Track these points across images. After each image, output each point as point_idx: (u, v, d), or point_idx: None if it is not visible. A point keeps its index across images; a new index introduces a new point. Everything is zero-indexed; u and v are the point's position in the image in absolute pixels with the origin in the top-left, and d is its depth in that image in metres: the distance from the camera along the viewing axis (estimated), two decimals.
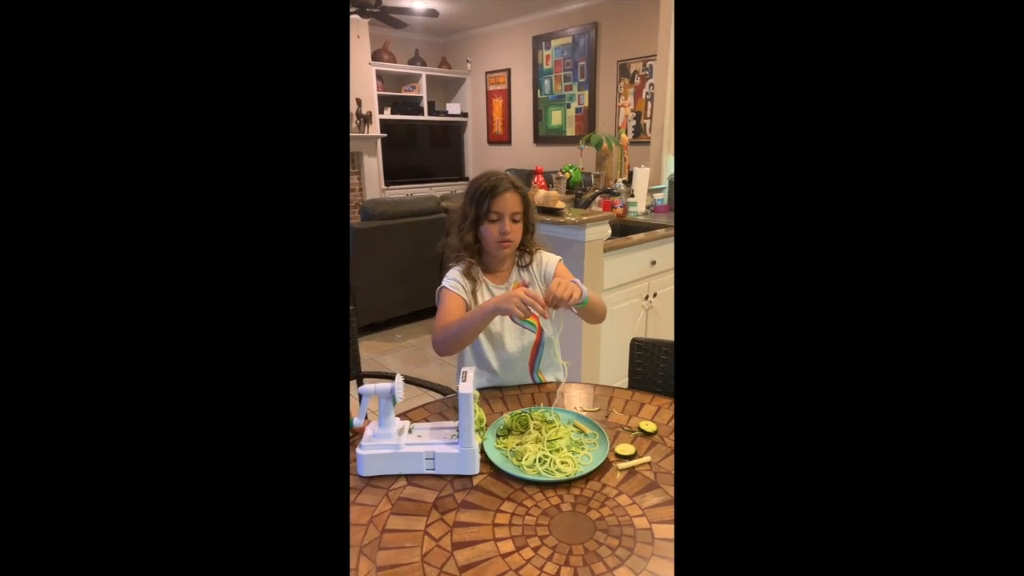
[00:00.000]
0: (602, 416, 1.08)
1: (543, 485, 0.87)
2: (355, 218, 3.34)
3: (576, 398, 1.16)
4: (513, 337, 1.22)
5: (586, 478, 0.89)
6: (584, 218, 2.01)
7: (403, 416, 1.09)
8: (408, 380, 1.58)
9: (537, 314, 1.04)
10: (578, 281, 1.11)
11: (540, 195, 2.09)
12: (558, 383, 1.23)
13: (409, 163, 5.81)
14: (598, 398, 1.16)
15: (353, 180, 5.41)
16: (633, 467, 0.91)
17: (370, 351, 3.17)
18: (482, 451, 0.95)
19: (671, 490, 0.85)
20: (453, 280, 1.22)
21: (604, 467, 0.91)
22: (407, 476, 0.90)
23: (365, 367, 2.97)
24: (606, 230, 2.12)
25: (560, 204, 2.05)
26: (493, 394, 1.18)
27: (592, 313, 1.18)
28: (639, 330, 2.43)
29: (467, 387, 0.88)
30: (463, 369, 0.94)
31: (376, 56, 5.37)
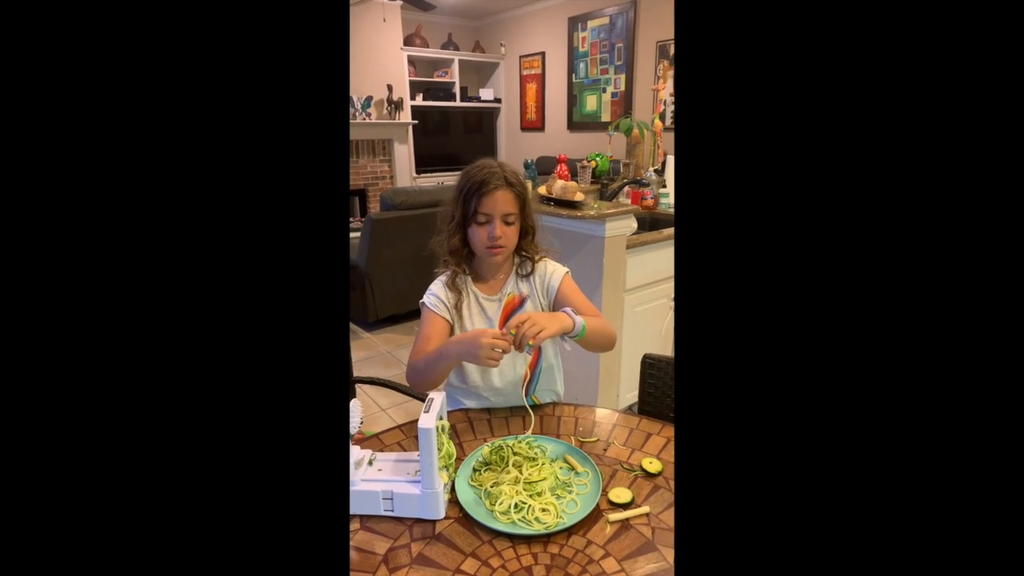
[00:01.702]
0: (601, 448, 0.93)
1: (516, 538, 0.73)
2: (377, 208, 3.26)
3: (572, 424, 1.01)
4: (505, 359, 1.07)
5: (569, 531, 0.74)
6: (605, 211, 1.84)
7: (373, 438, 0.97)
8: (393, 387, 1.46)
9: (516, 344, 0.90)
10: (570, 311, 0.95)
11: (558, 186, 1.92)
12: (554, 404, 1.09)
13: (441, 150, 5.70)
14: (599, 424, 1.01)
15: (383, 168, 5.35)
16: (627, 519, 0.76)
17: (388, 344, 3.09)
18: (453, 488, 0.82)
19: (670, 555, 0.70)
20: (434, 296, 1.08)
21: (593, 516, 0.77)
22: (362, 517, 0.78)
23: (382, 360, 2.90)
24: (630, 224, 1.94)
25: (579, 196, 1.89)
26: (479, 416, 1.05)
27: (593, 343, 1.03)
28: (665, 333, 2.24)
29: (428, 420, 0.74)
30: (429, 395, 0.80)
31: (408, 41, 5.26)
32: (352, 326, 3.32)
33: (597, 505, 0.78)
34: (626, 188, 2.48)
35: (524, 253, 1.11)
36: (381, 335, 3.22)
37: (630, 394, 2.14)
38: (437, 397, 0.80)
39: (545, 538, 0.73)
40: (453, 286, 1.07)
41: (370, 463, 0.83)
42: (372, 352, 3.00)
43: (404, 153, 5.39)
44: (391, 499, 0.77)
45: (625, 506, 0.78)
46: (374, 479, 0.79)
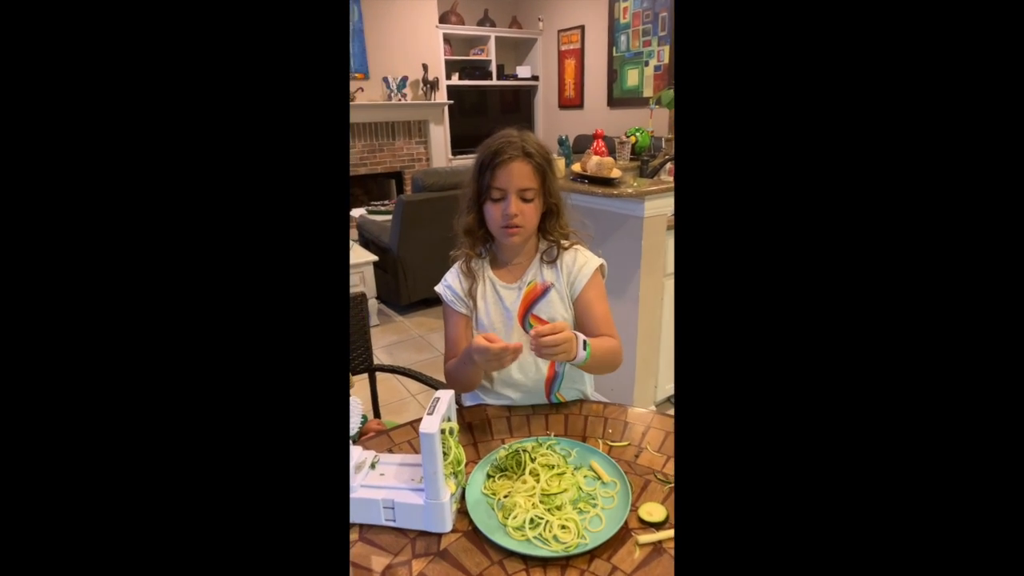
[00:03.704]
0: (632, 454, 0.83)
1: (531, 560, 0.64)
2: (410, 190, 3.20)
3: (601, 425, 0.91)
4: (524, 353, 0.96)
5: (591, 553, 0.65)
6: (644, 189, 1.70)
7: (384, 436, 0.90)
8: (411, 375, 1.39)
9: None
10: (583, 342, 0.86)
11: (593, 162, 1.80)
12: (581, 403, 0.98)
13: (477, 131, 5.56)
14: (630, 426, 0.90)
15: (419, 150, 5.29)
16: (660, 542, 0.66)
17: (420, 328, 3.05)
18: (464, 496, 0.73)
19: None
20: (448, 288, 0.99)
21: (620, 536, 0.67)
22: (361, 527, 0.70)
23: (414, 344, 2.86)
24: (672, 203, 1.79)
25: (616, 173, 1.75)
26: (498, 414, 0.96)
27: (594, 369, 0.94)
28: None
29: (431, 423, 0.66)
30: (436, 394, 0.72)
31: (443, 18, 5.14)
32: (385, 309, 3.30)
33: (625, 523, 0.68)
34: (668, 165, 2.32)
35: (550, 237, 0.99)
36: (414, 319, 3.18)
37: (670, 384, 2.01)
38: (444, 396, 0.71)
39: (564, 560, 0.64)
40: (468, 272, 0.98)
41: (372, 466, 0.75)
42: (404, 336, 2.96)
43: (440, 134, 5.31)
44: (392, 508, 0.69)
45: (658, 526, 0.68)
46: (375, 485, 0.71)
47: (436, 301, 3.28)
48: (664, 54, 4.44)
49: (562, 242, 0.99)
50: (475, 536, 0.68)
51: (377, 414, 1.45)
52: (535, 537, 0.66)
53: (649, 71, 4.60)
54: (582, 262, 0.98)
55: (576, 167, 1.89)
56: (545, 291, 0.97)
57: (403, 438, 0.89)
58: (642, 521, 0.69)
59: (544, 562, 0.64)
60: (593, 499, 0.72)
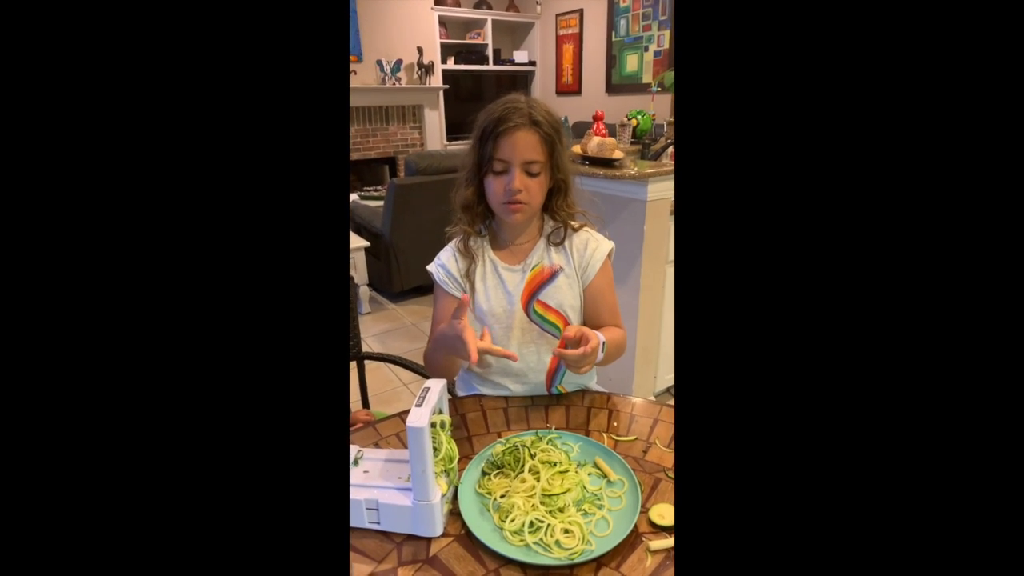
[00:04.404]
0: (640, 450, 0.76)
1: (530, 568, 0.58)
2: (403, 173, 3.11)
3: (605, 417, 0.84)
4: (527, 342, 0.90)
5: (598, 561, 0.58)
6: (647, 171, 1.63)
7: (370, 429, 0.83)
8: (403, 364, 1.32)
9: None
10: (600, 336, 0.79)
11: (594, 143, 1.72)
12: (583, 393, 0.91)
13: (473, 116, 5.47)
14: (637, 419, 0.83)
15: (414, 135, 5.19)
16: (673, 548, 0.59)
17: (414, 316, 2.97)
18: (456, 496, 0.67)
19: None
20: (442, 267, 0.91)
21: (629, 542, 0.60)
22: None
23: (407, 333, 2.79)
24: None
25: (618, 154, 1.68)
26: (495, 404, 0.88)
27: (601, 364, 0.87)
28: None
29: (420, 416, 0.59)
30: (425, 384, 0.65)
31: (439, 1, 5.02)
32: (377, 296, 3.22)
33: (635, 527, 0.61)
34: (670, 149, 2.24)
35: (556, 216, 0.91)
36: (407, 307, 3.10)
37: (670, 375, 1.95)
38: (434, 386, 0.64)
39: (567, 569, 0.57)
40: (466, 251, 0.90)
41: (355, 463, 0.68)
42: (397, 324, 2.89)
43: (435, 120, 5.21)
44: (376, 510, 0.62)
45: (670, 530, 0.61)
46: (357, 484, 0.64)
47: (430, 288, 3.20)
48: (664, 39, 4.34)
49: (571, 223, 0.91)
50: (468, 541, 0.61)
51: (366, 404, 1.38)
52: (535, 543, 0.59)
53: (649, 56, 4.51)
54: (594, 246, 0.90)
55: (576, 149, 1.81)
56: (553, 275, 0.89)
57: (391, 431, 0.82)
58: (653, 524, 0.62)
59: (545, 570, 0.57)
60: (599, 500, 0.65)
